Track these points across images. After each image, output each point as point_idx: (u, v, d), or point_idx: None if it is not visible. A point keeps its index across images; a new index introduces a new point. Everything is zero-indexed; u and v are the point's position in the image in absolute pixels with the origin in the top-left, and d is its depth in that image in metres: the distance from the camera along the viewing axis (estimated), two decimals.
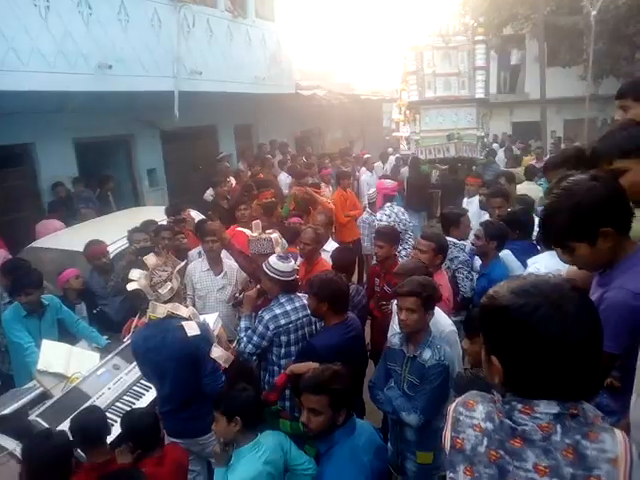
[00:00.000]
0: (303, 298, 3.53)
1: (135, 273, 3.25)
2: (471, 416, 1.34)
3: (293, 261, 3.63)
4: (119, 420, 3.15)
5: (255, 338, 3.39)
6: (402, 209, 6.62)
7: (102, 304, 4.90)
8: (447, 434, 1.38)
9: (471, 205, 6.51)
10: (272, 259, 3.51)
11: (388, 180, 7.41)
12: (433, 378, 2.82)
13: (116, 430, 3.05)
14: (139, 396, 3.51)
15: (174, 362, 3.08)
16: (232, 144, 12.80)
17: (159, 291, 3.15)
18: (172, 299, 3.20)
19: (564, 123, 19.21)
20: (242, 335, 3.49)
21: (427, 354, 2.86)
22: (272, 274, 3.46)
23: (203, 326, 3.24)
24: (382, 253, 4.41)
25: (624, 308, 1.36)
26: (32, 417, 3.05)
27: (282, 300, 3.50)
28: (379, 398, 3.04)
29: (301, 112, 14.23)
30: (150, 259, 3.27)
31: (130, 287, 3.24)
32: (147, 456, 2.75)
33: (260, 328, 3.38)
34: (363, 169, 11.26)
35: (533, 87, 17.87)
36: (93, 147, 9.07)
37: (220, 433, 2.65)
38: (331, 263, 4.27)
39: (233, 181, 8.81)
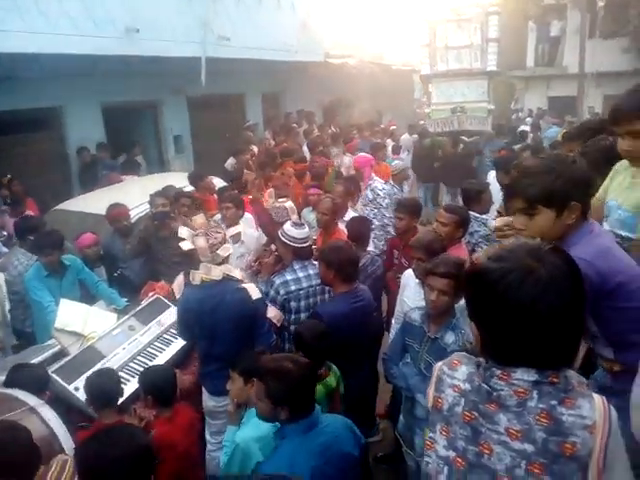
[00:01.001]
0: (318, 266, 3.54)
1: (184, 232, 3.24)
2: (452, 376, 1.33)
3: (307, 228, 3.64)
4: (131, 379, 3.24)
5: (267, 302, 3.41)
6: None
7: (123, 267, 4.99)
8: (430, 393, 1.38)
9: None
10: (286, 225, 3.57)
11: (362, 153, 7.51)
12: None
13: (128, 389, 3.12)
14: (153, 357, 3.55)
15: (231, 323, 3.08)
16: (259, 112, 12.73)
17: (218, 252, 3.12)
18: (224, 261, 3.19)
19: (603, 98, 18.46)
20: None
21: (450, 338, 2.73)
22: (286, 240, 3.51)
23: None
24: (402, 225, 4.35)
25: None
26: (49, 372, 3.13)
27: (295, 267, 3.53)
28: (393, 372, 2.98)
29: (330, 82, 14.00)
30: (199, 219, 3.27)
31: (185, 246, 3.21)
32: (156, 417, 2.81)
33: (271, 292, 3.43)
34: (388, 140, 11.08)
35: (572, 60, 17.19)
36: (120, 112, 9.13)
37: (235, 393, 2.66)
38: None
39: (255, 150, 8.77)
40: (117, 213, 4.90)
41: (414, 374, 2.84)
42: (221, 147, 10.27)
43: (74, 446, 2.37)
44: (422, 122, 14.31)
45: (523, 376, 1.20)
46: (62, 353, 3.41)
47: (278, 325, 3.40)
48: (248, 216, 4.95)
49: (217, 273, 3.09)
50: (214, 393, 3.23)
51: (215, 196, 5.61)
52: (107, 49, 7.07)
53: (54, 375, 3.07)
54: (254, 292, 3.16)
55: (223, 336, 3.12)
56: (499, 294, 1.18)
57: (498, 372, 1.23)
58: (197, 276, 3.14)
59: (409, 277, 3.41)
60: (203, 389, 3.35)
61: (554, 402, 1.18)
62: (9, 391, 2.60)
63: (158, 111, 10.00)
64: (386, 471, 3.83)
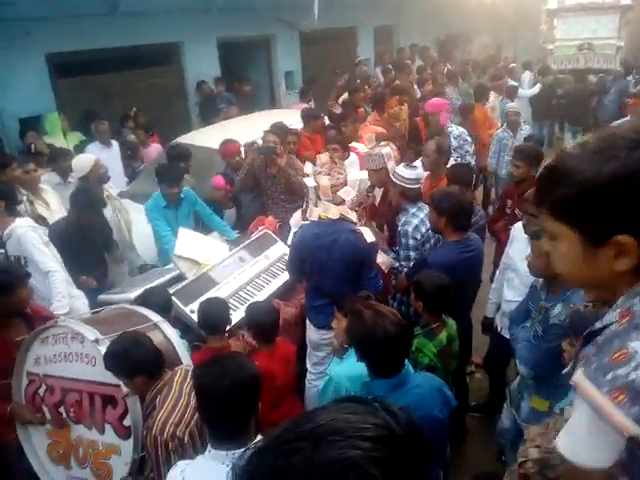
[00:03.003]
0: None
1: (309, 168, 3.36)
2: None
3: (420, 169, 3.60)
4: (240, 307, 3.48)
5: (411, 253, 3.46)
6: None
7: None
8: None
9: None
10: (399, 167, 3.57)
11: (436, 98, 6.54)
12: (551, 338, 2.45)
13: (237, 315, 3.35)
14: (260, 288, 3.76)
15: (342, 262, 3.14)
16: (371, 47, 12.34)
17: (339, 193, 3.19)
18: (342, 203, 3.25)
19: None
20: (397, 265, 3.58)
21: (557, 309, 2.48)
22: (399, 182, 3.50)
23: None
24: (519, 173, 4.17)
25: None
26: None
27: (413, 210, 3.54)
28: (511, 333, 2.87)
29: (447, 13, 13.14)
30: (324, 157, 3.34)
31: (309, 183, 3.32)
32: (260, 350, 3.02)
33: (410, 242, 3.45)
34: (508, 79, 10.23)
35: None
36: (235, 48, 9.27)
37: (339, 334, 2.71)
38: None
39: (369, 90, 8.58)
40: (229, 149, 5.03)
41: (522, 340, 2.70)
42: (332, 83, 10.15)
43: (190, 362, 2.62)
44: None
45: None
46: (180, 277, 3.69)
47: (386, 272, 3.42)
48: (354, 157, 4.92)
49: (334, 212, 3.13)
50: (319, 326, 3.33)
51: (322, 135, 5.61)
52: None
53: (174, 297, 3.36)
54: (368, 235, 3.17)
55: (333, 273, 3.17)
56: None
57: None
58: (315, 213, 3.22)
59: (519, 230, 3.23)
60: (307, 322, 3.47)
61: None
62: (135, 308, 2.89)
63: (271, 46, 10.02)
64: (478, 420, 3.84)
